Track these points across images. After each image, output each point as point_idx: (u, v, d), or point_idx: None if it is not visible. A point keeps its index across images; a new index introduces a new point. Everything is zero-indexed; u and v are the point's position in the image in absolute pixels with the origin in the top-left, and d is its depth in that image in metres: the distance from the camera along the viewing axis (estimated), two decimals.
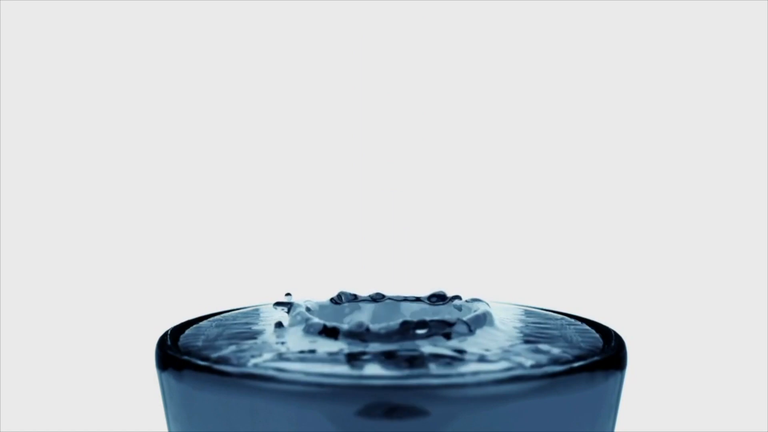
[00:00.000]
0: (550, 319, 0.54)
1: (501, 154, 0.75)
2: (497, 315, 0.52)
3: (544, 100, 0.76)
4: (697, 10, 0.76)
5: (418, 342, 0.48)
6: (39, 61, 0.78)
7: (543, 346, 0.49)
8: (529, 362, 0.46)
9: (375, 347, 0.47)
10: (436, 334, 0.48)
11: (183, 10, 0.77)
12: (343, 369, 0.45)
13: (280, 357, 0.46)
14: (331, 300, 0.55)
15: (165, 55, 0.78)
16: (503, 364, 0.46)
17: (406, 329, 0.48)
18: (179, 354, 0.48)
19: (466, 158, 0.73)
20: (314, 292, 0.56)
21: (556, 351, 0.48)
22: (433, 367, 0.45)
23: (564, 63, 0.76)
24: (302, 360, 0.45)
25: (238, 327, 0.52)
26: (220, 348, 0.49)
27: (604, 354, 0.48)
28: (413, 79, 0.73)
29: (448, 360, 0.45)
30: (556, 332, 0.52)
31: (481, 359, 0.46)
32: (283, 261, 0.74)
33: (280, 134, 0.77)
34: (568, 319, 0.54)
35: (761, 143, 0.76)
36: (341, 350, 0.47)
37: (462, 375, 0.44)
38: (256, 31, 0.78)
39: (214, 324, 0.52)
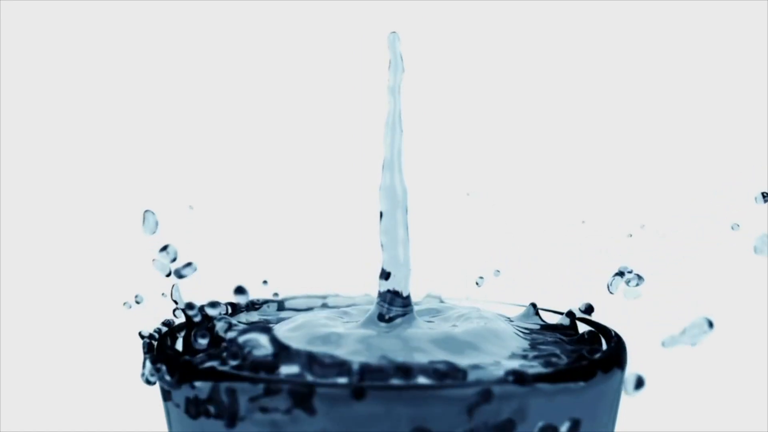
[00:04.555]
0: (549, 318, 0.54)
1: (492, 151, 0.75)
2: (494, 315, 0.52)
3: (535, 103, 0.76)
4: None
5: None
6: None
7: (543, 346, 0.49)
8: (528, 362, 0.46)
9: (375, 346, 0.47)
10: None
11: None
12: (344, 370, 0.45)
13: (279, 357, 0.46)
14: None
15: (161, 50, 0.78)
16: (503, 364, 0.46)
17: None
18: (179, 354, 0.48)
19: (451, 159, 0.73)
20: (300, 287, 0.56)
21: (556, 351, 0.48)
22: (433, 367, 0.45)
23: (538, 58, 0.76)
24: (303, 359, 0.45)
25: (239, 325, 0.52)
26: (218, 348, 0.49)
27: (604, 354, 0.48)
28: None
29: (447, 360, 0.45)
30: (556, 332, 0.52)
31: (481, 359, 0.46)
32: (279, 258, 0.74)
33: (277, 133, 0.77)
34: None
35: (761, 145, 0.76)
36: (342, 350, 0.47)
37: (461, 375, 0.44)
38: (248, 28, 0.78)
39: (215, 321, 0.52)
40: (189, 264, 0.51)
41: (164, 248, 0.51)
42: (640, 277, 0.53)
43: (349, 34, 0.75)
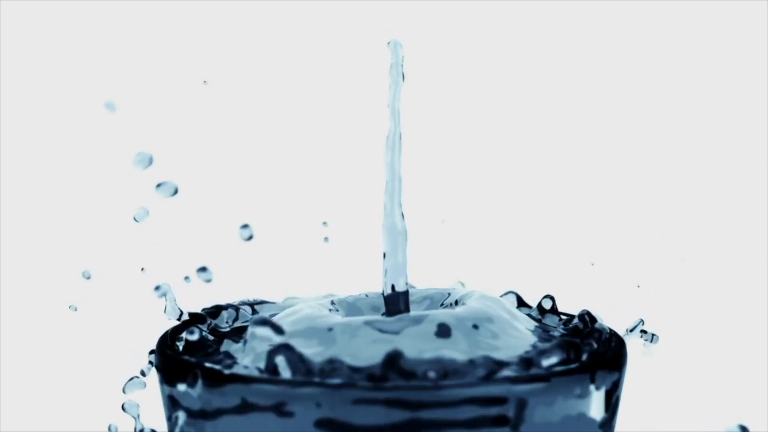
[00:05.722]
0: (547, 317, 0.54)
1: (498, 148, 0.75)
2: (492, 312, 0.52)
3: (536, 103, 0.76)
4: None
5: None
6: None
7: (541, 345, 0.49)
8: (528, 362, 0.46)
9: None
10: None
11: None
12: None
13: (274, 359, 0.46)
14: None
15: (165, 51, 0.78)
16: (502, 364, 0.46)
17: None
18: (178, 355, 0.48)
19: (456, 153, 0.73)
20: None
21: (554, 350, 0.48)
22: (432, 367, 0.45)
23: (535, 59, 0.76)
24: (299, 360, 0.45)
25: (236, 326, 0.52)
26: (217, 349, 0.49)
27: (604, 354, 0.47)
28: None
29: (446, 360, 0.45)
30: (554, 331, 0.52)
31: (480, 359, 0.46)
32: (277, 259, 0.74)
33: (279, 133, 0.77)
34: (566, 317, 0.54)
35: (761, 145, 0.76)
36: (339, 350, 0.47)
37: (461, 375, 0.44)
38: (252, 29, 0.78)
39: (212, 324, 0.52)
40: (167, 182, 0.47)
41: (138, 155, 0.47)
42: (653, 336, 0.53)
43: (348, 36, 0.75)
